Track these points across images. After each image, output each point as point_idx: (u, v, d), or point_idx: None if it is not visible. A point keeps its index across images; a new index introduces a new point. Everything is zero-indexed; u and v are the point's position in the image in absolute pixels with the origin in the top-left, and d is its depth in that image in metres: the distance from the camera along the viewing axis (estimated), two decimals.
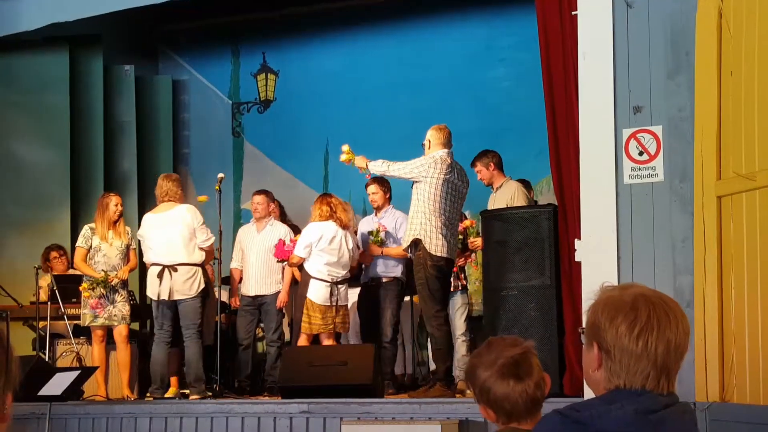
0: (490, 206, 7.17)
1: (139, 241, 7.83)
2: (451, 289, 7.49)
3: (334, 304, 7.41)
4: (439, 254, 6.77)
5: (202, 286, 7.50)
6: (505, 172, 7.65)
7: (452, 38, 10.39)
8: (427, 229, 6.79)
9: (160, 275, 7.43)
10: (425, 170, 6.83)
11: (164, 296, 7.42)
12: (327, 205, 7.55)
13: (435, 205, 6.80)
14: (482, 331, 7.15)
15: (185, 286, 7.42)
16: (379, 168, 7.01)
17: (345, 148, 7.17)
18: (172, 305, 7.48)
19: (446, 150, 6.94)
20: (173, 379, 7.80)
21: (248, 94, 11.39)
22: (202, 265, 7.57)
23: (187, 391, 7.50)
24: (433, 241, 6.77)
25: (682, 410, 1.85)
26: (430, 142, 6.97)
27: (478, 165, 7.44)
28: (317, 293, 7.40)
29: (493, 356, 2.39)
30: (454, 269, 7.38)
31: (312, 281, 7.44)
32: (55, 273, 8.48)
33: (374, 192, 8.01)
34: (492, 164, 7.24)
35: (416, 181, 6.86)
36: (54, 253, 8.74)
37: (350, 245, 7.54)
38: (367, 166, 7.03)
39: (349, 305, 8.09)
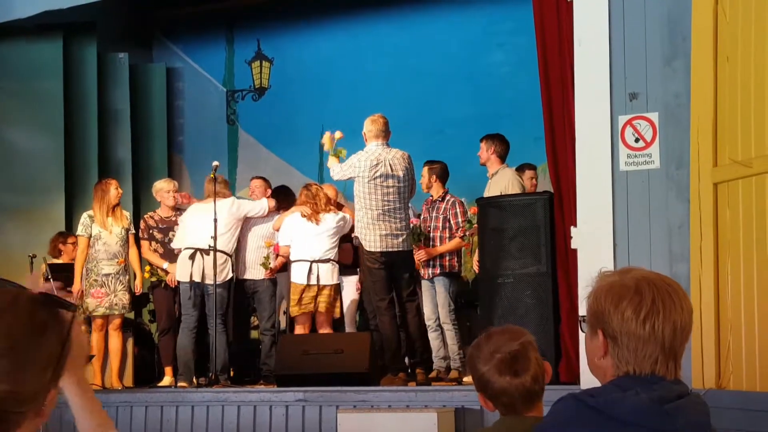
0: (486, 193, 7.16)
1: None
2: (424, 277, 7.48)
3: (315, 283, 7.39)
4: (371, 249, 6.99)
5: (231, 275, 7.53)
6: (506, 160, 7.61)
7: (450, 24, 10.35)
8: (361, 225, 7.06)
9: (192, 257, 7.49)
10: (353, 169, 7.07)
11: (196, 277, 7.47)
12: (303, 195, 7.68)
13: (364, 201, 7.03)
14: (478, 319, 7.14)
15: (214, 271, 7.44)
16: (333, 171, 7.27)
17: (326, 138, 7.40)
18: (200, 290, 7.52)
19: (377, 142, 7.11)
20: (168, 369, 7.79)
21: (243, 81, 11.36)
22: (232, 257, 7.63)
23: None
24: (367, 237, 7.02)
25: (695, 401, 1.84)
26: (365, 135, 7.18)
27: (482, 144, 7.40)
28: (294, 273, 7.48)
29: (491, 349, 2.38)
30: (420, 258, 7.36)
31: (292, 264, 7.53)
32: (64, 261, 8.44)
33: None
34: (493, 149, 7.21)
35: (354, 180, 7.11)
36: (72, 238, 8.67)
37: (330, 225, 7.51)
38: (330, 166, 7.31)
39: (345, 294, 8.10)
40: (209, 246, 7.47)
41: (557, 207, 6.08)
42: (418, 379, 7.01)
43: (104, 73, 10.43)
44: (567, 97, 5.82)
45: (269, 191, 8.38)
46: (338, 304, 7.63)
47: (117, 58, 10.59)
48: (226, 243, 7.62)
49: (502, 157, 7.22)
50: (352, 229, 7.58)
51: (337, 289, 7.59)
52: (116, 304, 7.65)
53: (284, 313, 8.42)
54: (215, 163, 8.16)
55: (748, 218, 4.72)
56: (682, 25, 5.21)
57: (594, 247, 5.34)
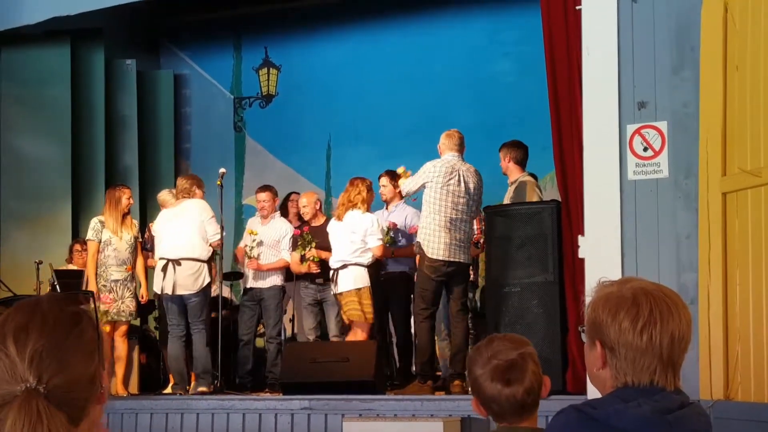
0: (505, 201, 7.16)
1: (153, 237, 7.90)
2: None
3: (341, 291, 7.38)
4: (433, 256, 6.89)
5: (207, 281, 7.50)
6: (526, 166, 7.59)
7: (456, 32, 10.35)
8: (426, 231, 6.97)
9: (164, 269, 7.42)
10: (426, 175, 7.04)
11: (168, 290, 7.41)
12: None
13: (434, 206, 6.96)
14: (485, 327, 7.11)
15: (188, 281, 7.40)
16: (404, 186, 7.38)
17: (401, 170, 7.62)
18: (179, 300, 7.47)
19: (452, 153, 7.08)
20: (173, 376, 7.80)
21: (250, 88, 11.37)
22: (208, 262, 7.56)
23: (203, 389, 7.42)
24: (431, 244, 6.91)
25: (697, 411, 1.83)
26: (440, 148, 7.19)
27: (500, 153, 7.39)
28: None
29: (489, 354, 2.37)
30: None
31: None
32: (76, 267, 8.46)
33: (384, 185, 8.03)
34: (509, 157, 7.18)
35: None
36: (77, 246, 8.74)
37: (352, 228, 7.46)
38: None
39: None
40: (180, 258, 7.44)
41: (565, 216, 6.06)
42: (454, 391, 6.84)
43: (111, 80, 10.45)
44: (575, 106, 5.80)
45: (276, 201, 8.38)
46: (366, 309, 7.36)
47: (124, 65, 10.61)
48: (195, 249, 7.52)
49: (521, 164, 7.17)
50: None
51: (361, 293, 7.38)
52: (123, 311, 7.65)
53: (290, 321, 8.42)
54: (222, 170, 8.18)
55: (756, 228, 4.69)
56: (691, 34, 5.20)
57: (601, 257, 5.32)
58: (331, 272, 7.47)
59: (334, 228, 7.56)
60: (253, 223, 8.37)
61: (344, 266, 7.37)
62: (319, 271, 7.85)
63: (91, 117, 10.21)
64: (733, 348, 4.77)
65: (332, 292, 7.52)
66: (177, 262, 7.41)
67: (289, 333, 8.42)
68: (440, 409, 5.90)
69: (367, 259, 7.36)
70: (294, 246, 7.98)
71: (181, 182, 7.79)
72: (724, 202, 4.91)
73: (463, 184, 6.99)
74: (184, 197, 7.67)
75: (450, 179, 6.96)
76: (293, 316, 8.45)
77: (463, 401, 5.92)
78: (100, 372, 1.33)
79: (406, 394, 6.60)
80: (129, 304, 7.68)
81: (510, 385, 2.32)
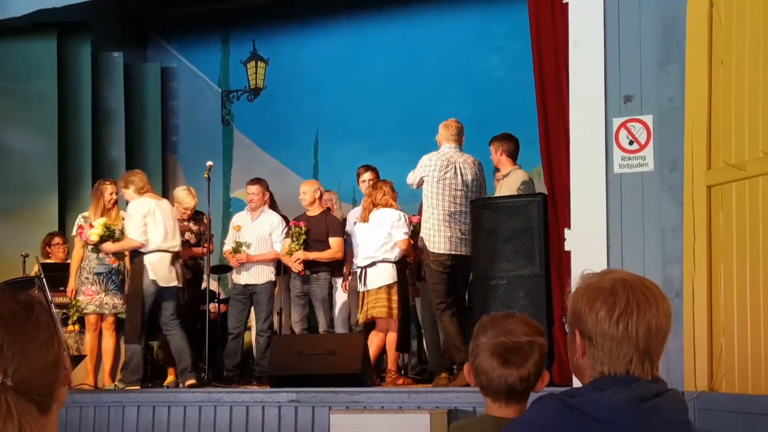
0: (496, 194, 7.17)
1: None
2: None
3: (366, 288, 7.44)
4: (437, 251, 6.88)
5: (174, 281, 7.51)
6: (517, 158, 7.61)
7: (445, 27, 10.35)
8: (427, 226, 6.95)
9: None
10: (423, 169, 7.01)
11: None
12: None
13: (432, 201, 6.95)
14: (472, 320, 7.13)
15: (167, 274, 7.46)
16: (408, 179, 7.23)
17: None
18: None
19: (450, 145, 7.06)
20: (171, 369, 7.81)
21: (238, 81, 11.35)
22: (177, 254, 7.56)
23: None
24: (433, 239, 6.91)
25: (673, 399, 1.84)
26: (438, 139, 7.16)
27: (491, 147, 7.40)
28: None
29: (500, 329, 2.33)
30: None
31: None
32: (54, 261, 8.44)
33: (363, 181, 8.04)
34: (501, 150, 7.19)
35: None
36: (57, 239, 8.71)
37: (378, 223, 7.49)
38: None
39: (338, 296, 8.14)
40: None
41: (551, 209, 6.08)
42: (440, 384, 6.88)
43: (98, 73, 10.41)
44: (561, 99, 5.82)
45: (266, 194, 8.36)
46: (393, 305, 7.34)
47: (111, 58, 10.57)
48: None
49: (513, 156, 7.16)
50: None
51: (391, 290, 7.37)
52: (107, 303, 7.64)
53: (277, 314, 8.42)
54: (209, 163, 8.16)
55: (741, 221, 4.73)
56: (677, 28, 5.22)
57: (587, 249, 5.34)
58: (359, 270, 7.47)
59: (360, 230, 7.57)
60: (240, 219, 8.35)
61: (373, 264, 7.37)
62: (304, 273, 7.86)
63: (78, 110, 10.17)
64: (717, 340, 4.81)
65: (359, 290, 7.48)
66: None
67: (276, 326, 8.42)
68: (427, 401, 5.92)
69: (394, 254, 7.39)
70: (287, 235, 7.98)
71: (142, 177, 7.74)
72: (709, 196, 4.94)
73: (459, 176, 6.97)
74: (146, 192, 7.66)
75: (446, 172, 6.95)
76: (280, 309, 8.45)
77: (450, 393, 5.94)
78: (62, 354, 1.33)
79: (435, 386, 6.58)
80: (113, 297, 7.67)
81: (507, 366, 2.29)
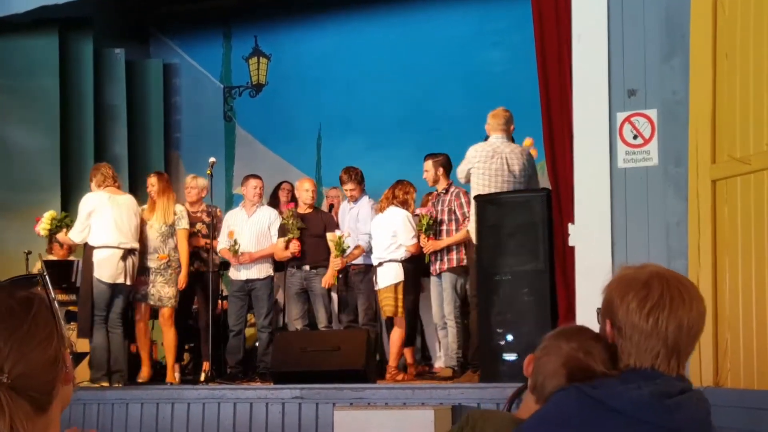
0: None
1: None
2: (433, 274, 7.45)
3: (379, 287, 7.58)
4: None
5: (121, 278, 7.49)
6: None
7: (446, 21, 10.34)
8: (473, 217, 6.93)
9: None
10: (469, 161, 6.99)
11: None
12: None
13: (477, 192, 6.90)
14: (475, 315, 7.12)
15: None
16: (457, 173, 7.21)
17: (528, 142, 7.46)
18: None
19: (497, 135, 7.02)
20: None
21: (240, 77, 11.33)
22: (131, 251, 7.50)
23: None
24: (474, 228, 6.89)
25: (696, 398, 1.82)
26: (487, 129, 7.14)
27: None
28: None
29: (583, 345, 2.03)
30: (427, 250, 7.35)
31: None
32: (56, 258, 8.42)
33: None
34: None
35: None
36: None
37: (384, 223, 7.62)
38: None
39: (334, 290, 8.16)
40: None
41: (555, 204, 6.06)
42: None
43: (100, 69, 10.40)
44: (565, 93, 5.80)
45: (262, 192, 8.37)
46: (399, 304, 7.48)
47: (113, 54, 10.56)
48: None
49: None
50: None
51: (397, 288, 7.48)
52: (152, 295, 7.66)
53: (280, 310, 8.41)
54: (212, 159, 8.15)
55: (746, 215, 4.70)
56: (681, 21, 5.19)
57: (592, 245, 5.32)
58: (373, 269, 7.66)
59: (377, 222, 7.68)
60: (234, 217, 8.29)
61: (381, 263, 7.54)
62: (300, 254, 7.86)
63: (80, 106, 10.17)
64: (722, 335, 4.79)
65: (375, 288, 7.64)
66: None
67: (279, 323, 8.42)
68: (431, 397, 5.90)
69: (401, 254, 7.48)
70: (280, 233, 7.97)
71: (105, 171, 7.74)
72: (713, 190, 4.91)
73: (506, 167, 6.90)
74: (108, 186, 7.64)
75: (492, 163, 6.89)
76: (283, 305, 8.44)
77: (454, 389, 5.93)
78: (62, 352, 1.32)
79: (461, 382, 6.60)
80: (159, 290, 7.66)
81: (569, 382, 1.97)
